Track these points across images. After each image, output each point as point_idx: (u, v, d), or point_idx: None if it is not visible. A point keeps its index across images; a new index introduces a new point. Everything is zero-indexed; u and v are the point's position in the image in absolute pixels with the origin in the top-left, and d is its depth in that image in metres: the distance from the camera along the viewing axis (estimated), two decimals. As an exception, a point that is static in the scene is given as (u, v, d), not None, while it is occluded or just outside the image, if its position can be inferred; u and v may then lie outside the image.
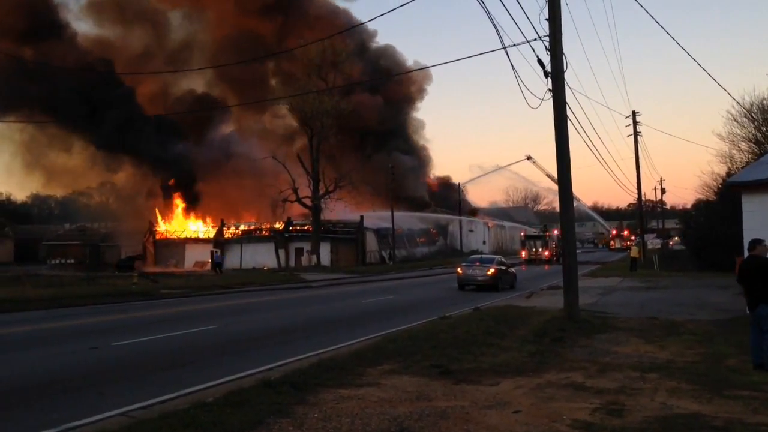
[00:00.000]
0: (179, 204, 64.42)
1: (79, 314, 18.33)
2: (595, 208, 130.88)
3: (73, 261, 58.81)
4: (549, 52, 14.12)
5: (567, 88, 14.42)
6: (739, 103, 31.27)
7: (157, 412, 6.66)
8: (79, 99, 55.09)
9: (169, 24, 70.23)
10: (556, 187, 18.41)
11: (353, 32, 54.52)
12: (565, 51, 14.14)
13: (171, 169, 60.71)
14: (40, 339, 13.38)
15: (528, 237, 59.06)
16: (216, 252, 49.91)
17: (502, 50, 14.29)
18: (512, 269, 28.36)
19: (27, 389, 8.27)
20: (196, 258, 57.56)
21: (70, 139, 62.64)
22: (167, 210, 64.53)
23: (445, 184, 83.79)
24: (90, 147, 61.87)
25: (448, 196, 79.15)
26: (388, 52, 75.07)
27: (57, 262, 61.49)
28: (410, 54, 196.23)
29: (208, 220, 63.38)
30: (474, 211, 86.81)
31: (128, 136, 56.69)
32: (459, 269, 26.86)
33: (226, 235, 58.69)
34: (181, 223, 64.18)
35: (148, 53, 67.05)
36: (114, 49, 64.57)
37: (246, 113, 72.96)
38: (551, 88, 14.19)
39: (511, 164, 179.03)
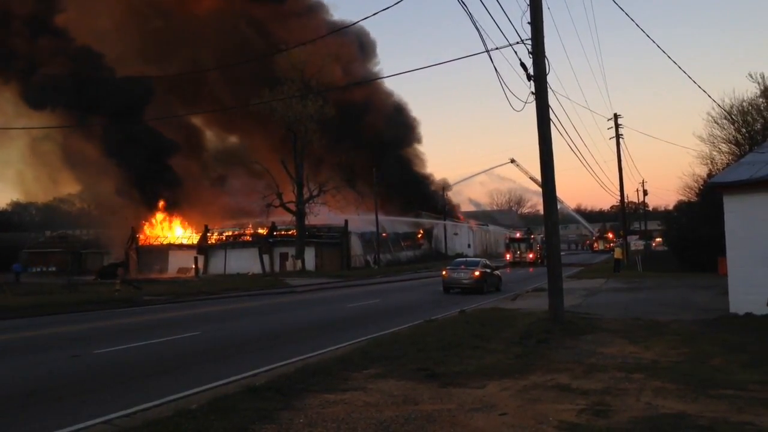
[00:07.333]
0: (161, 214, 63.60)
1: (61, 322, 18.10)
2: (579, 210, 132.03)
3: (54, 269, 58.08)
4: (531, 56, 14.14)
5: (549, 90, 14.47)
6: (719, 105, 31.75)
7: (140, 420, 6.58)
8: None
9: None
10: (539, 189, 18.47)
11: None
12: (547, 54, 14.20)
13: (154, 172, 59.80)
14: (21, 347, 13.17)
15: (512, 240, 59.37)
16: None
17: (485, 53, 14.30)
18: (497, 272, 28.41)
19: (7, 398, 8.11)
20: (179, 264, 57.16)
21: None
22: (149, 216, 63.75)
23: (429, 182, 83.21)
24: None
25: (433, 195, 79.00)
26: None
27: (37, 269, 60.70)
28: (394, 57, 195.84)
29: (190, 228, 62.69)
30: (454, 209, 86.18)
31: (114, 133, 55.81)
32: (444, 272, 26.86)
33: (210, 241, 58.31)
34: (167, 229, 63.37)
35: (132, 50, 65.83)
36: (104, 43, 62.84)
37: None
38: (534, 91, 14.22)
39: (494, 167, 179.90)
